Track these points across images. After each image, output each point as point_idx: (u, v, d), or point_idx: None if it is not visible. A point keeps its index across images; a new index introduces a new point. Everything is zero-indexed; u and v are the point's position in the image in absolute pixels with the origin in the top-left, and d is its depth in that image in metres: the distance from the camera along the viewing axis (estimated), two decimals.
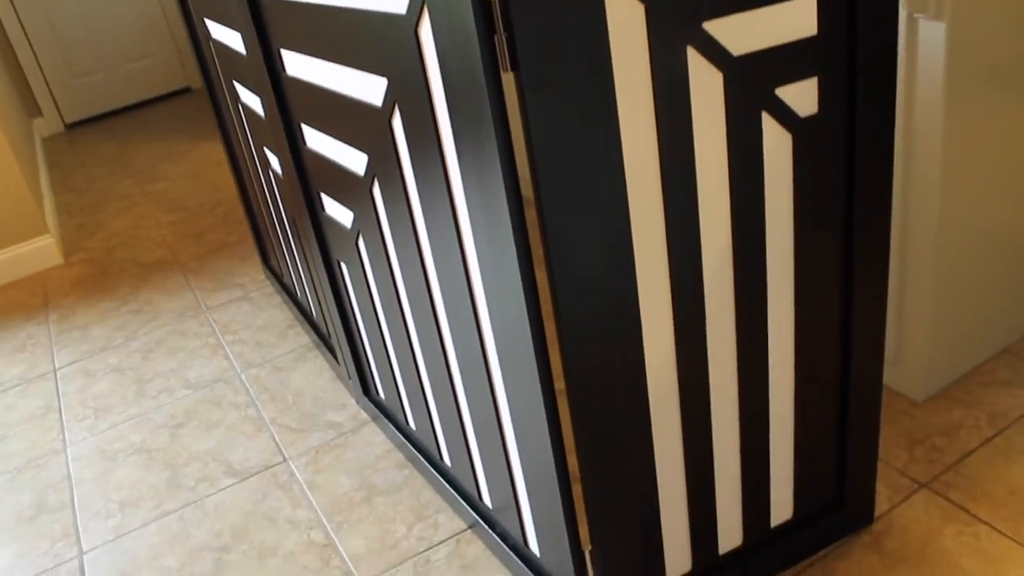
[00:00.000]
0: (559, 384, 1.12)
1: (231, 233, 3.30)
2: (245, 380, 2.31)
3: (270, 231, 2.49)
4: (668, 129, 1.00)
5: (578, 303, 1.04)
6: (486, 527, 1.57)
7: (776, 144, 1.08)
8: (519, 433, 1.26)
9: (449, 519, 1.70)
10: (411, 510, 1.74)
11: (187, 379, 2.38)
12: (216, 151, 4.34)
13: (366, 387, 2.01)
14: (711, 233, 1.10)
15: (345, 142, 1.43)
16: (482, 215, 1.05)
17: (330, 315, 1.98)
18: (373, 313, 1.70)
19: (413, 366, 1.61)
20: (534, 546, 1.44)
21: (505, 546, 1.52)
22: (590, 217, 0.99)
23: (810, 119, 1.09)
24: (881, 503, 1.55)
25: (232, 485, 1.92)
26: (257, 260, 3.02)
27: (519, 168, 1.00)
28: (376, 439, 1.97)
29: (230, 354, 2.45)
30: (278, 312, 2.63)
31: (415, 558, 1.62)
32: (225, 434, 2.11)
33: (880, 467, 1.62)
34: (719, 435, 1.27)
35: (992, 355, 1.86)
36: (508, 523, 1.50)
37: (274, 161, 1.98)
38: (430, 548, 1.64)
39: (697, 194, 1.06)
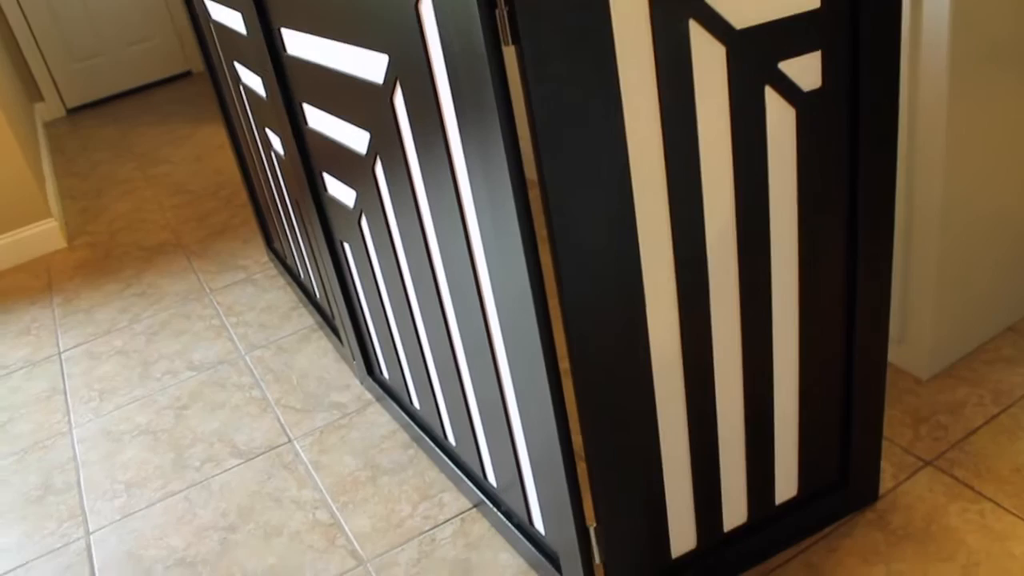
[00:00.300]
0: (563, 363, 1.11)
1: (234, 216, 3.30)
2: (249, 361, 2.32)
3: (273, 213, 2.49)
4: (671, 103, 1.00)
5: (582, 281, 1.03)
6: (491, 506, 1.57)
7: (779, 119, 1.08)
8: (524, 412, 1.26)
9: (454, 498, 1.70)
10: (416, 489, 1.75)
11: (191, 361, 2.38)
12: (218, 134, 4.33)
13: (370, 368, 2.02)
14: (714, 208, 1.09)
15: (347, 121, 1.43)
16: (485, 191, 1.04)
17: (333, 296, 1.98)
18: (376, 293, 1.70)
19: (417, 346, 1.61)
20: (539, 524, 1.44)
21: (510, 524, 1.52)
22: (593, 193, 0.99)
23: (813, 93, 1.08)
24: (886, 481, 1.55)
25: (237, 465, 1.93)
26: (260, 242, 3.02)
27: (522, 152, 0.99)
28: (380, 419, 1.97)
29: (234, 336, 2.46)
30: (281, 294, 2.63)
31: (420, 537, 1.63)
32: (230, 415, 2.11)
33: (885, 445, 1.62)
34: (723, 413, 1.27)
35: (997, 333, 1.85)
36: (513, 502, 1.51)
37: (276, 142, 1.98)
38: (435, 527, 1.64)
39: (700, 169, 1.05)
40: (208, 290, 2.77)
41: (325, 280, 2.01)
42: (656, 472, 1.24)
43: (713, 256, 1.12)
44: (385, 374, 1.94)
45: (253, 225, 3.17)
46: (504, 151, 0.96)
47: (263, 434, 2.02)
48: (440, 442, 1.75)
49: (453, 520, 1.65)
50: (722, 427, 1.28)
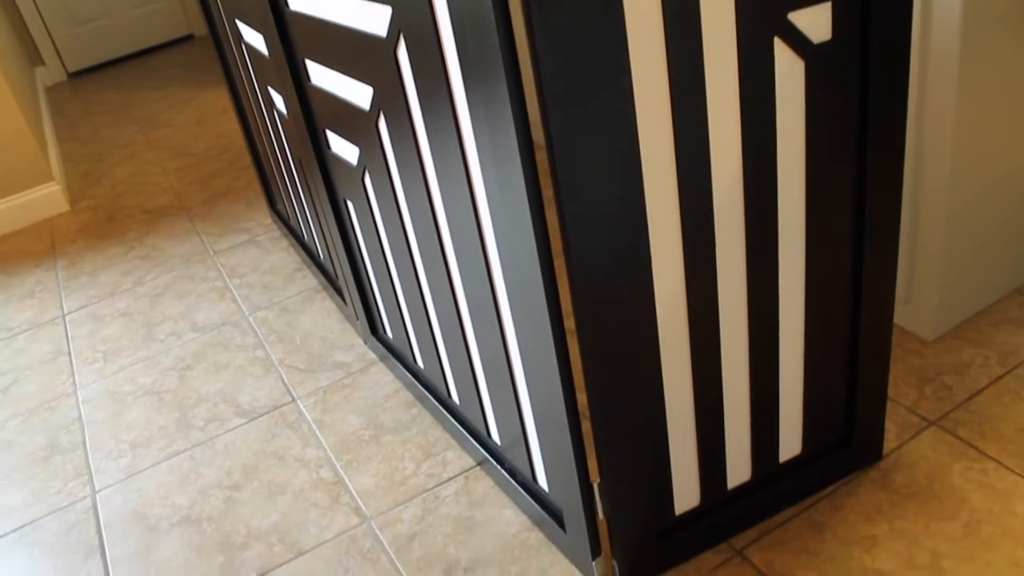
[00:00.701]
0: (568, 321, 1.11)
1: (237, 178, 3.28)
2: (253, 322, 2.32)
3: (276, 174, 2.48)
4: (679, 56, 0.98)
5: (588, 238, 1.02)
6: (495, 463, 1.57)
7: (788, 72, 1.06)
8: (528, 370, 1.26)
9: (458, 456, 1.71)
10: (419, 448, 1.75)
11: (195, 322, 2.38)
12: (220, 98, 4.30)
13: (374, 327, 2.02)
14: (721, 165, 1.08)
15: (350, 76, 1.41)
16: (490, 147, 1.03)
17: (337, 255, 1.98)
18: (380, 252, 1.70)
19: (421, 305, 1.60)
20: (543, 481, 1.45)
21: (514, 482, 1.53)
22: (599, 147, 0.98)
23: (823, 45, 1.07)
24: (890, 440, 1.55)
25: (241, 425, 1.94)
26: (263, 204, 3.01)
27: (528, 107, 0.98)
28: (384, 379, 1.98)
29: (237, 297, 2.46)
30: (285, 255, 2.62)
31: (424, 495, 1.63)
32: (234, 375, 2.11)
33: (889, 405, 1.62)
34: (728, 370, 1.26)
35: (1003, 295, 1.85)
36: (517, 459, 1.51)
37: (279, 100, 1.96)
38: (439, 485, 1.65)
39: (708, 124, 1.04)
40: (211, 252, 2.76)
41: (328, 240, 2.01)
42: (660, 429, 1.25)
43: (720, 213, 1.11)
44: (389, 333, 1.94)
45: (256, 187, 3.16)
46: (510, 103, 0.94)
47: (267, 394, 2.02)
48: (444, 400, 1.76)
49: (457, 478, 1.66)
50: (727, 385, 1.28)
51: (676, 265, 1.12)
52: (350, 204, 1.75)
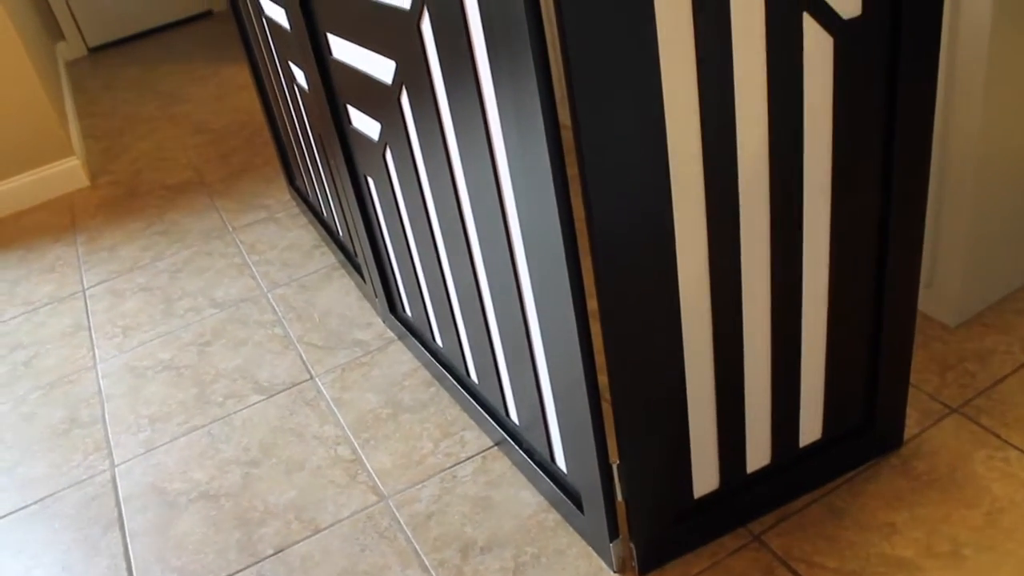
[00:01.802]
0: (591, 302, 1.10)
1: (256, 155, 3.28)
2: (272, 299, 2.32)
3: (296, 150, 2.47)
4: (706, 31, 0.96)
5: (612, 216, 1.01)
6: (513, 444, 1.57)
7: (817, 48, 1.04)
8: (549, 350, 1.25)
9: (476, 436, 1.70)
10: (438, 427, 1.75)
11: (214, 298, 2.39)
12: (240, 74, 4.30)
13: (392, 305, 2.01)
14: (747, 143, 1.06)
15: (372, 50, 1.40)
16: (515, 122, 1.02)
17: (356, 232, 1.97)
18: (400, 229, 1.69)
19: (441, 283, 1.60)
20: (561, 462, 1.44)
21: (531, 462, 1.52)
22: (625, 126, 0.97)
23: (853, 22, 1.05)
24: (911, 427, 1.53)
25: (260, 402, 1.94)
26: (283, 181, 3.01)
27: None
28: (403, 357, 1.98)
29: (256, 274, 2.46)
30: (304, 232, 2.62)
31: (441, 474, 1.63)
32: (252, 352, 2.12)
33: (911, 391, 1.61)
34: (750, 353, 1.25)
35: None
36: (535, 440, 1.51)
37: (299, 75, 1.95)
38: (456, 464, 1.65)
39: (734, 101, 1.03)
40: (230, 228, 2.76)
41: (348, 217, 2.00)
42: (681, 411, 1.24)
43: (744, 193, 1.10)
44: (408, 312, 1.94)
45: (275, 164, 3.16)
46: (535, 76, 0.93)
47: (285, 371, 2.03)
48: (462, 380, 1.75)
49: (474, 458, 1.66)
50: (748, 368, 1.26)
51: (700, 246, 1.11)
52: (370, 180, 1.74)
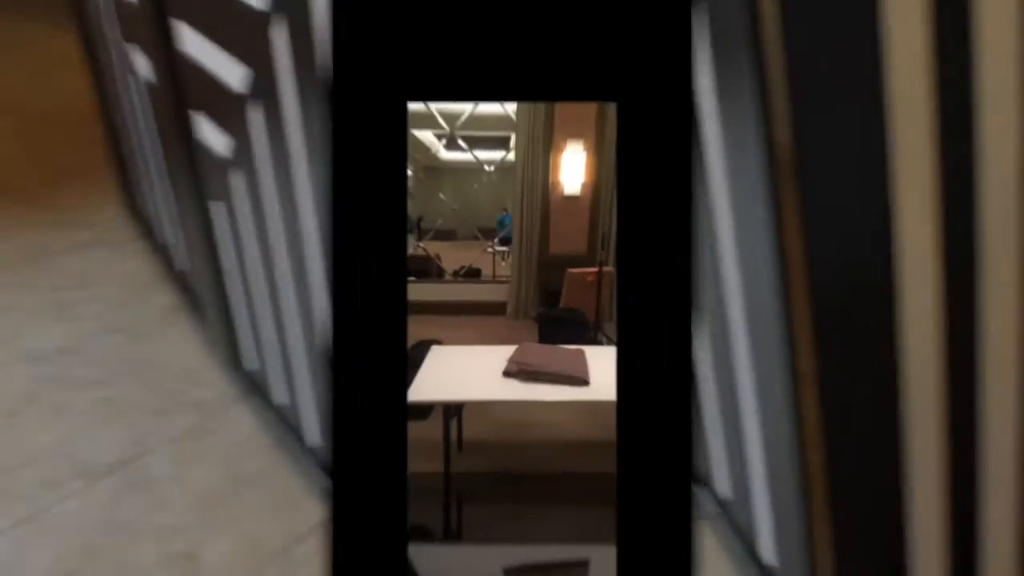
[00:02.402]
0: None
1: (83, 154, 2.88)
2: (99, 350, 2.02)
3: (137, 157, 2.15)
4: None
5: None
6: None
7: None
8: None
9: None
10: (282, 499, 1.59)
11: (25, 350, 2.04)
12: (65, 45, 3.78)
13: (237, 357, 1.82)
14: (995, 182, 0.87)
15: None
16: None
17: (200, 268, 1.71)
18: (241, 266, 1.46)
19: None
20: None
21: None
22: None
23: None
24: None
25: (80, 490, 1.64)
26: (116, 193, 2.66)
27: None
28: (245, 420, 1.78)
29: (80, 315, 2.14)
30: (140, 261, 2.35)
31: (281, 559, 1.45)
32: (73, 423, 1.82)
33: None
34: (993, 461, 1.02)
35: None
36: None
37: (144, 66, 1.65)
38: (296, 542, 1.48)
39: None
40: (48, 253, 2.42)
41: (190, 247, 1.75)
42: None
43: (990, 238, 0.90)
44: (253, 364, 1.73)
45: (107, 169, 2.76)
46: None
47: (113, 445, 1.74)
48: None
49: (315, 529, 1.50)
50: (989, 480, 1.03)
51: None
52: (218, 205, 1.49)
